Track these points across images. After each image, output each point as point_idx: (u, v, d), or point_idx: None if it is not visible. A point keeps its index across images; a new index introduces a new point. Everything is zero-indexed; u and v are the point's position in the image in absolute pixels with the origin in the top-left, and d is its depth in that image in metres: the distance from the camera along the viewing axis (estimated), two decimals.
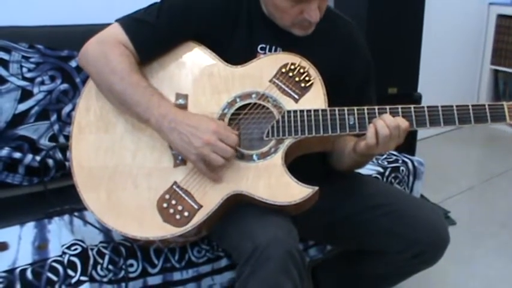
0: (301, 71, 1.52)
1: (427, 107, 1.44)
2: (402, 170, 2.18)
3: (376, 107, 1.45)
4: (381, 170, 2.13)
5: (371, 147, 1.43)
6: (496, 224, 2.97)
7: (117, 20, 1.55)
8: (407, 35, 3.00)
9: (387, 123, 1.41)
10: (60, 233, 1.64)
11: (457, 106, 1.43)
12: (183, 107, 1.51)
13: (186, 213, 1.44)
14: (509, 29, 4.37)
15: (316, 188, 1.41)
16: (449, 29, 4.13)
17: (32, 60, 2.00)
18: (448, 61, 4.25)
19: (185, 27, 1.54)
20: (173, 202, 1.46)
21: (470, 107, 1.43)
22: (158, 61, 1.56)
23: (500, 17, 4.42)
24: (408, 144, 3.03)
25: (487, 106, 1.43)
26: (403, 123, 1.41)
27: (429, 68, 3.55)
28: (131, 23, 1.54)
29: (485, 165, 3.94)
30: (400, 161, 2.21)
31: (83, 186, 1.51)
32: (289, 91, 1.51)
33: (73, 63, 2.05)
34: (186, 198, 1.46)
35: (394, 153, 2.29)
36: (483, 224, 2.98)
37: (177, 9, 1.53)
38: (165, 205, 1.46)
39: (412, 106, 1.44)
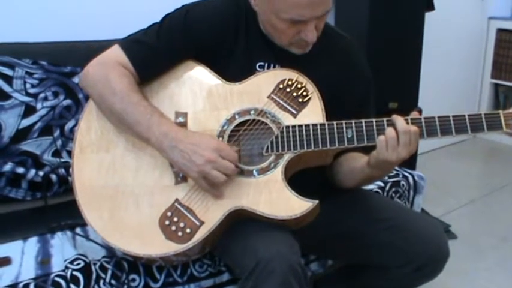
0: (299, 86, 1.53)
1: (424, 118, 1.44)
2: (403, 185, 2.18)
3: (374, 120, 1.46)
4: (382, 184, 2.13)
5: (380, 151, 1.42)
6: (497, 238, 2.97)
7: (118, 42, 1.58)
8: (408, 50, 3.01)
9: (398, 128, 1.40)
10: (63, 248, 1.66)
11: (453, 116, 1.43)
12: (183, 125, 1.52)
13: (188, 230, 1.45)
14: (509, 43, 4.38)
15: (317, 201, 1.42)
16: (450, 43, 4.14)
17: (35, 76, 2.01)
18: (448, 75, 4.26)
19: (184, 47, 1.57)
20: (175, 219, 1.47)
21: (466, 116, 1.43)
22: (158, 81, 1.59)
23: (500, 31, 4.43)
24: (409, 158, 3.06)
25: (483, 115, 1.43)
26: (413, 126, 1.41)
27: (430, 82, 3.56)
28: (131, 45, 1.56)
29: (486, 179, 3.94)
30: (401, 176, 2.22)
31: (86, 206, 1.52)
32: (287, 106, 1.52)
33: (76, 79, 2.06)
34: (188, 215, 1.47)
35: (395, 167, 2.30)
36: (484, 237, 2.98)
37: (176, 30, 1.55)
38: (167, 222, 1.47)
39: (409, 118, 1.44)
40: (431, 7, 3.23)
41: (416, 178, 2.23)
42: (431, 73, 3.68)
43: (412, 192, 2.22)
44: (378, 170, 1.51)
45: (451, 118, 1.43)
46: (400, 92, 2.96)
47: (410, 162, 3.00)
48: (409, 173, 2.25)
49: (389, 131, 1.41)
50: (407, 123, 1.42)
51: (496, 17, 4.46)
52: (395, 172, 2.24)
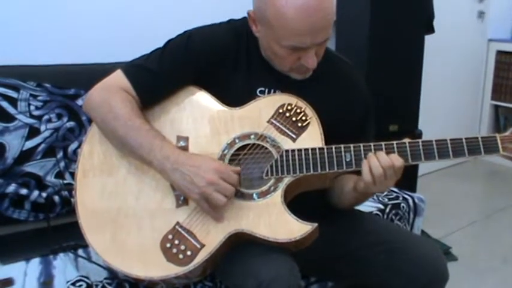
0: (298, 111, 1.55)
1: (422, 141, 1.46)
2: (403, 207, 2.20)
3: (372, 144, 1.48)
4: (382, 206, 2.15)
5: (368, 186, 1.46)
6: (498, 260, 2.97)
7: (120, 67, 1.60)
8: (408, 72, 3.03)
9: (381, 163, 1.43)
10: (65, 269, 1.68)
11: (451, 139, 1.45)
12: (184, 148, 1.54)
13: (189, 253, 1.46)
14: (509, 64, 4.42)
15: (316, 224, 1.43)
16: (450, 65, 4.17)
17: (39, 98, 2.03)
18: (448, 97, 4.29)
19: (186, 72, 1.59)
20: (176, 242, 1.48)
21: (463, 140, 1.45)
22: (160, 105, 1.61)
23: (500, 53, 4.48)
24: (409, 180, 3.07)
25: (480, 138, 1.45)
26: (397, 161, 1.44)
27: (430, 104, 3.58)
28: (133, 70, 1.58)
29: (487, 201, 3.95)
30: (401, 198, 2.23)
31: (88, 229, 1.53)
32: (287, 131, 1.54)
33: (79, 102, 2.08)
34: (189, 237, 1.48)
35: (395, 189, 2.31)
36: (485, 259, 2.99)
37: (178, 55, 1.58)
38: (168, 245, 1.48)
39: (406, 141, 1.46)
40: (431, 30, 3.26)
41: (416, 200, 2.24)
42: (432, 95, 3.71)
43: (412, 215, 2.23)
44: (363, 195, 1.60)
45: (448, 141, 1.45)
46: (401, 115, 2.99)
47: (410, 184, 3.02)
48: (409, 195, 2.26)
49: (376, 167, 1.44)
50: (406, 146, 1.45)
51: (496, 39, 4.51)
52: (395, 194, 2.26)
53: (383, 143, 1.48)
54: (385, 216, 2.13)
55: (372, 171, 1.44)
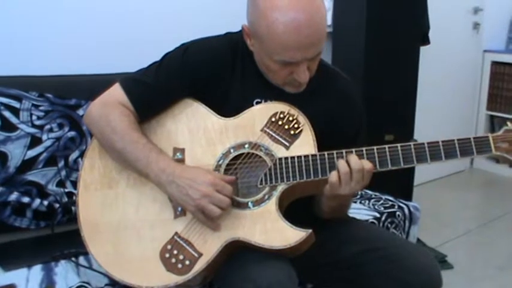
0: (290, 118, 1.57)
1: (414, 144, 1.49)
2: (398, 215, 2.22)
3: (364, 148, 1.50)
4: (378, 215, 2.18)
5: (334, 186, 1.48)
6: (494, 268, 2.98)
7: (119, 81, 1.63)
8: (404, 83, 3.06)
9: (351, 165, 1.46)
10: (66, 276, 1.70)
11: (443, 141, 1.47)
12: (181, 160, 1.57)
13: (187, 262, 1.49)
14: (504, 75, 4.44)
15: (310, 230, 1.45)
16: (445, 76, 4.19)
17: (41, 108, 2.06)
18: (444, 107, 4.30)
19: (182, 85, 1.61)
20: (175, 252, 1.51)
21: (455, 141, 1.46)
22: (156, 118, 1.63)
23: (495, 63, 4.51)
24: (405, 189, 3.10)
25: (472, 139, 1.45)
26: (366, 165, 1.47)
27: (425, 114, 3.60)
28: (131, 84, 1.61)
29: (483, 209, 3.96)
30: (396, 206, 2.26)
31: (90, 241, 1.56)
32: (280, 139, 1.56)
33: (80, 112, 2.10)
34: (187, 247, 1.51)
35: (391, 198, 2.34)
36: (481, 267, 3.00)
37: (175, 69, 1.60)
38: (167, 255, 1.51)
39: (398, 145, 1.49)
40: (426, 41, 3.29)
41: (411, 209, 2.27)
42: (427, 105, 3.72)
43: (407, 223, 2.25)
44: (333, 200, 1.59)
45: (440, 143, 1.47)
46: (396, 125, 3.01)
47: (406, 193, 3.05)
48: (405, 204, 2.29)
49: (343, 166, 1.46)
50: (397, 150, 1.49)
51: (491, 50, 4.54)
52: (390, 203, 2.28)
53: (375, 147, 1.50)
54: (381, 225, 2.16)
55: (339, 174, 1.47)
